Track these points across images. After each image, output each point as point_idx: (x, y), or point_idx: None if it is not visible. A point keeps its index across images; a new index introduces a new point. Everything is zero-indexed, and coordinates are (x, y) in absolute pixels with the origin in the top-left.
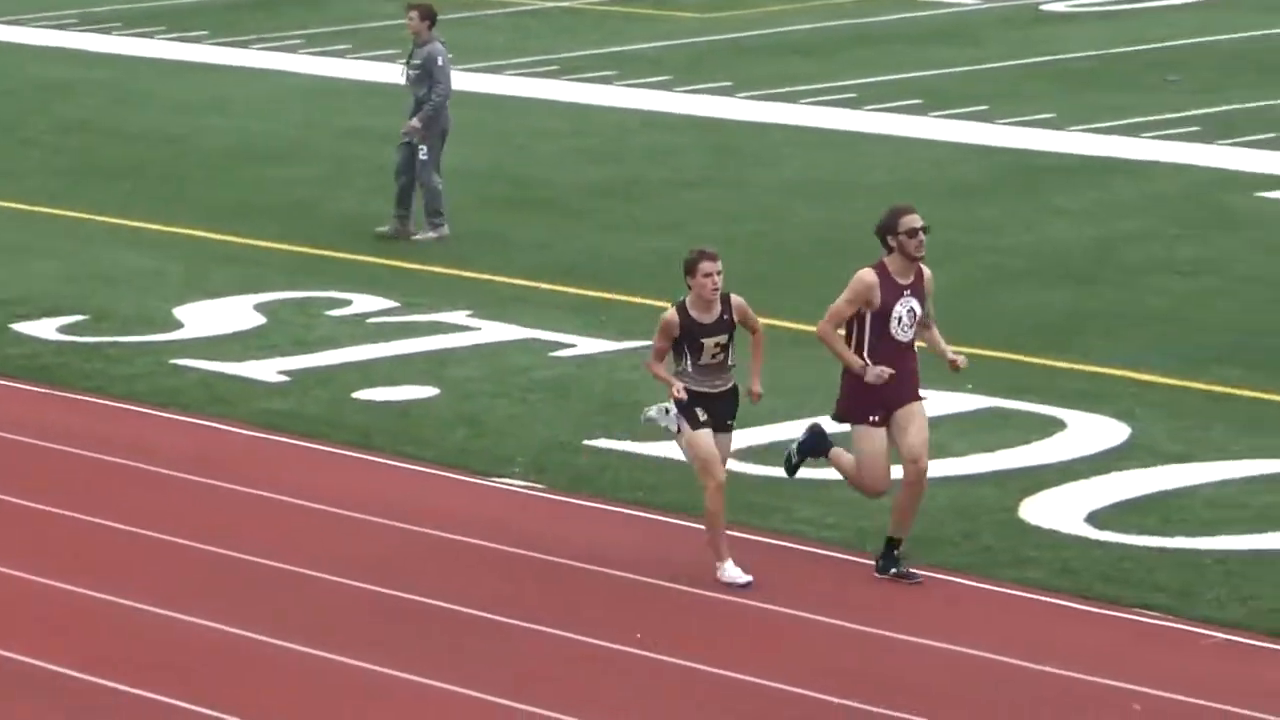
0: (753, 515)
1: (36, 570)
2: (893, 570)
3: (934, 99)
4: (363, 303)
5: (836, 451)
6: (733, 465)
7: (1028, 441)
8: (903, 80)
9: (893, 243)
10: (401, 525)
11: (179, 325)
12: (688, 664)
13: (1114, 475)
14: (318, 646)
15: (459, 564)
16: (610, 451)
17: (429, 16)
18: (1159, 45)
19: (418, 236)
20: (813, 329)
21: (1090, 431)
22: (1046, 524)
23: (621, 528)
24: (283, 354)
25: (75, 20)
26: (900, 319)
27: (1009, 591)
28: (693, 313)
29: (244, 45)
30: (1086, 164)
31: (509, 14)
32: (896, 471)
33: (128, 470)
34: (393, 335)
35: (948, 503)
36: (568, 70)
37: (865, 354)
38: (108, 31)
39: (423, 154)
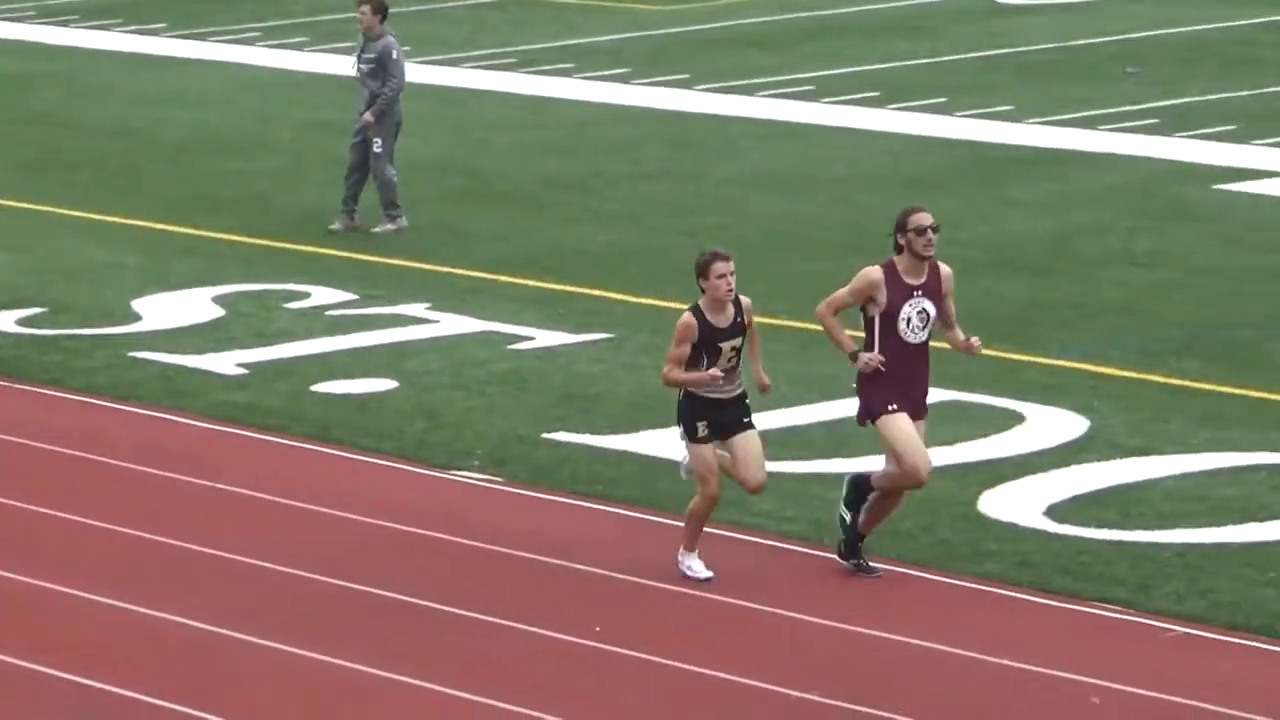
0: None
1: None
2: (854, 561)
3: (892, 91)
4: (321, 295)
5: (874, 476)
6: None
7: (986, 435)
8: (861, 73)
9: (902, 241)
10: (360, 518)
11: (137, 318)
12: (647, 657)
13: (1073, 468)
14: (282, 640)
15: (417, 557)
16: (569, 444)
17: (381, 10)
18: (1118, 37)
19: (376, 229)
20: (772, 320)
21: (1049, 425)
22: (1005, 517)
23: (580, 521)
24: (241, 347)
25: (33, 12)
26: (909, 320)
27: (968, 585)
28: (709, 316)
29: (202, 38)
30: (1044, 156)
31: (467, 6)
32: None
33: (86, 463)
34: (351, 328)
35: (906, 496)
36: (526, 63)
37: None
38: (65, 24)
39: (377, 147)
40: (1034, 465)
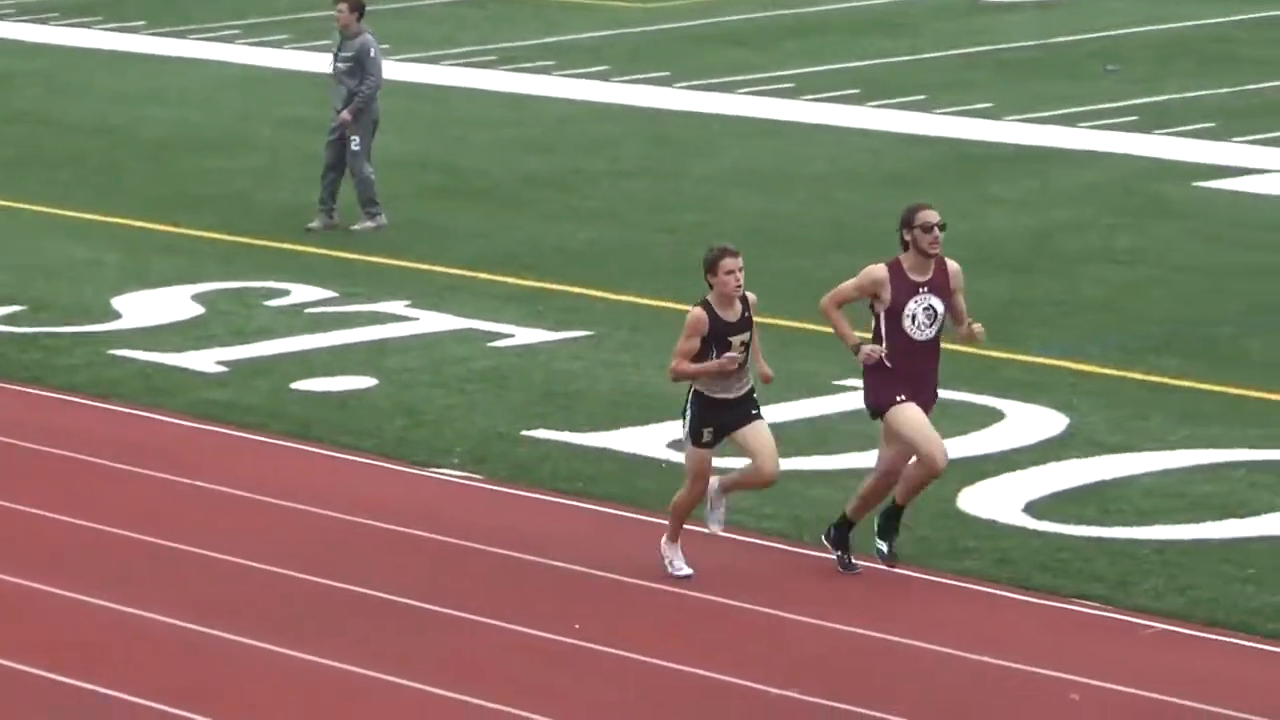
0: None
1: None
2: (840, 553)
3: (872, 89)
4: (301, 293)
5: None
6: (670, 456)
7: (965, 432)
8: (841, 70)
9: (908, 237)
10: (340, 515)
11: (117, 316)
12: (626, 654)
13: (1052, 465)
14: (263, 638)
15: (397, 554)
16: (549, 442)
17: (358, 9)
18: (1097, 35)
19: (355, 227)
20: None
21: (1028, 422)
22: (985, 514)
23: (560, 518)
24: (221, 344)
25: (12, 10)
26: (914, 317)
27: (947, 582)
28: (718, 311)
29: (182, 35)
30: (1024, 153)
31: (446, 4)
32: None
33: (66, 461)
34: (331, 325)
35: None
36: (505, 60)
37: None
38: (45, 21)
39: (355, 144)
40: (1013, 462)
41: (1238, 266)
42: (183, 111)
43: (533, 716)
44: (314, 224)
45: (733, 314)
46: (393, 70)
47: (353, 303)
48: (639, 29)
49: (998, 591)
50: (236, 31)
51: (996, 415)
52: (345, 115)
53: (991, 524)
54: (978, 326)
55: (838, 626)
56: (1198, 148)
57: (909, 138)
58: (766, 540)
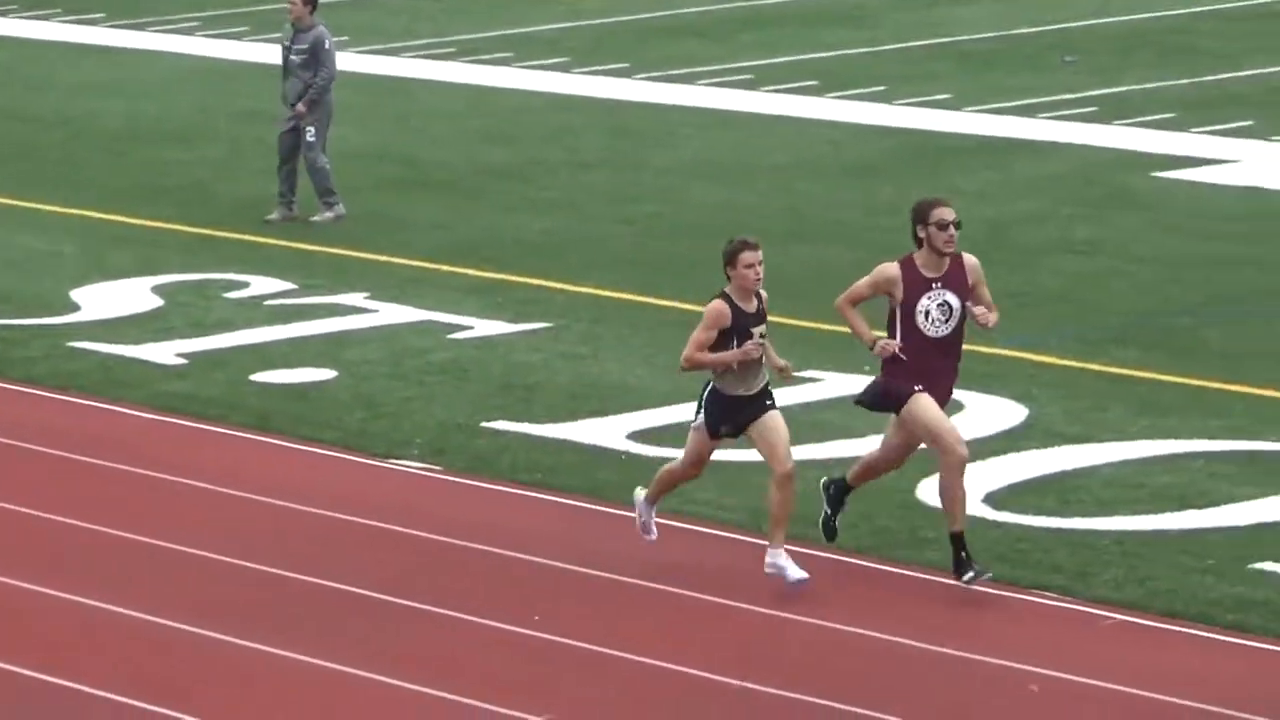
0: None
1: None
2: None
3: (831, 80)
4: (260, 285)
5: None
6: (630, 447)
7: None
8: (800, 61)
9: (922, 234)
10: (300, 507)
11: (76, 308)
12: (586, 645)
13: (1011, 456)
14: (225, 631)
15: (357, 546)
16: (508, 433)
17: (311, 1)
18: (1056, 26)
19: (315, 218)
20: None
21: (987, 413)
22: None
23: (520, 509)
24: (180, 336)
25: None
26: (928, 313)
27: (906, 573)
28: (738, 303)
29: (141, 28)
30: (984, 144)
31: None
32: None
33: (26, 453)
34: (290, 317)
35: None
36: (465, 52)
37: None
38: (4, 13)
39: (310, 135)
40: (973, 453)
41: (1197, 257)
42: (141, 103)
43: (502, 710)
44: (273, 216)
45: (750, 306)
46: (352, 62)
47: (312, 295)
48: (598, 20)
49: (957, 583)
50: (195, 24)
51: (955, 406)
52: (300, 107)
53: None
54: (981, 312)
55: (798, 618)
56: (1157, 138)
57: (868, 129)
58: (725, 531)
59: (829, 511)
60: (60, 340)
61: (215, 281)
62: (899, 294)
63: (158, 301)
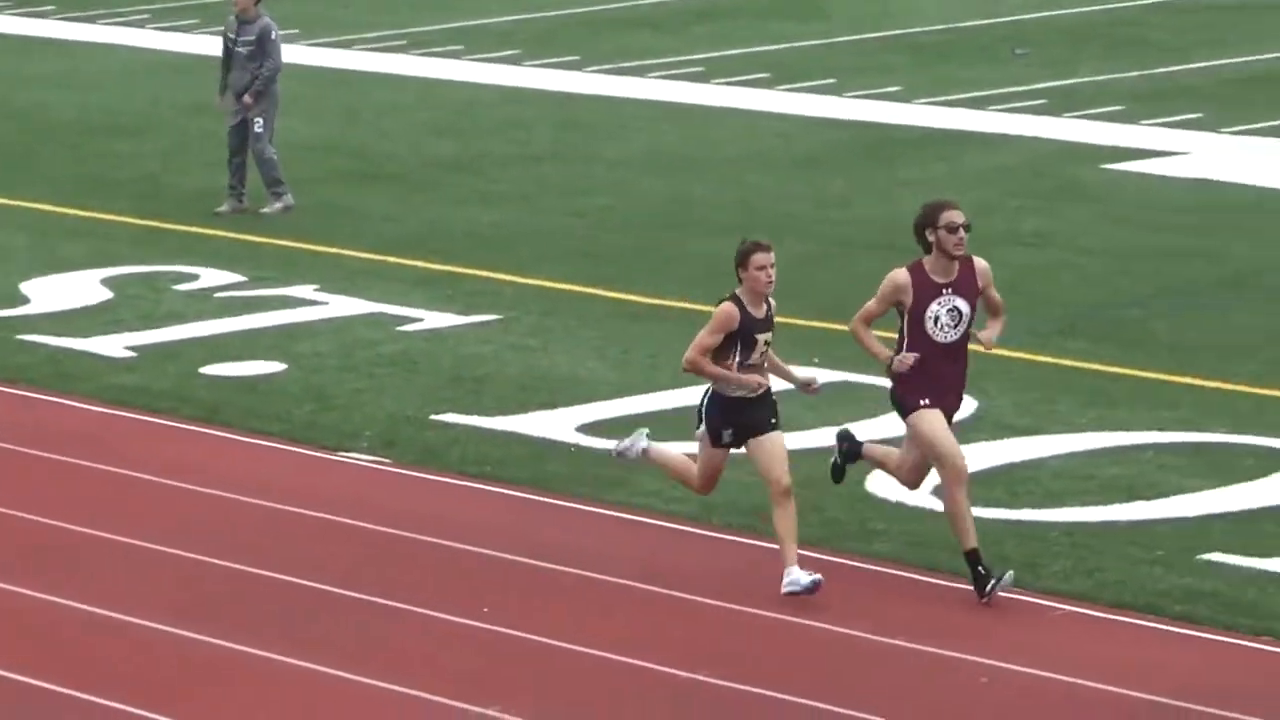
0: (598, 489)
1: None
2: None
3: (782, 72)
4: (210, 277)
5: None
6: (580, 439)
7: (874, 414)
8: (751, 54)
9: (931, 238)
10: (250, 500)
11: (25, 300)
12: (535, 638)
13: (961, 448)
14: (176, 624)
15: (305, 538)
16: (458, 426)
17: None
18: (1007, 19)
19: (265, 210)
20: (661, 301)
21: None
22: (893, 497)
23: (469, 502)
24: (130, 329)
25: None
26: (938, 319)
27: (856, 564)
28: (748, 306)
29: (91, 20)
30: (934, 136)
31: None
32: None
33: None
34: (240, 310)
35: (795, 476)
36: (417, 45)
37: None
38: None
39: (258, 126)
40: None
41: (1146, 249)
42: (92, 96)
43: (451, 702)
44: (223, 208)
45: (760, 310)
46: (303, 55)
47: (262, 287)
48: (549, 13)
49: (906, 574)
50: (146, 16)
51: None
52: (247, 99)
53: (900, 506)
54: (986, 338)
55: (747, 610)
56: (1106, 130)
57: (819, 121)
58: (673, 523)
59: (838, 461)
60: (9, 333)
61: (165, 274)
62: (908, 300)
63: (107, 294)
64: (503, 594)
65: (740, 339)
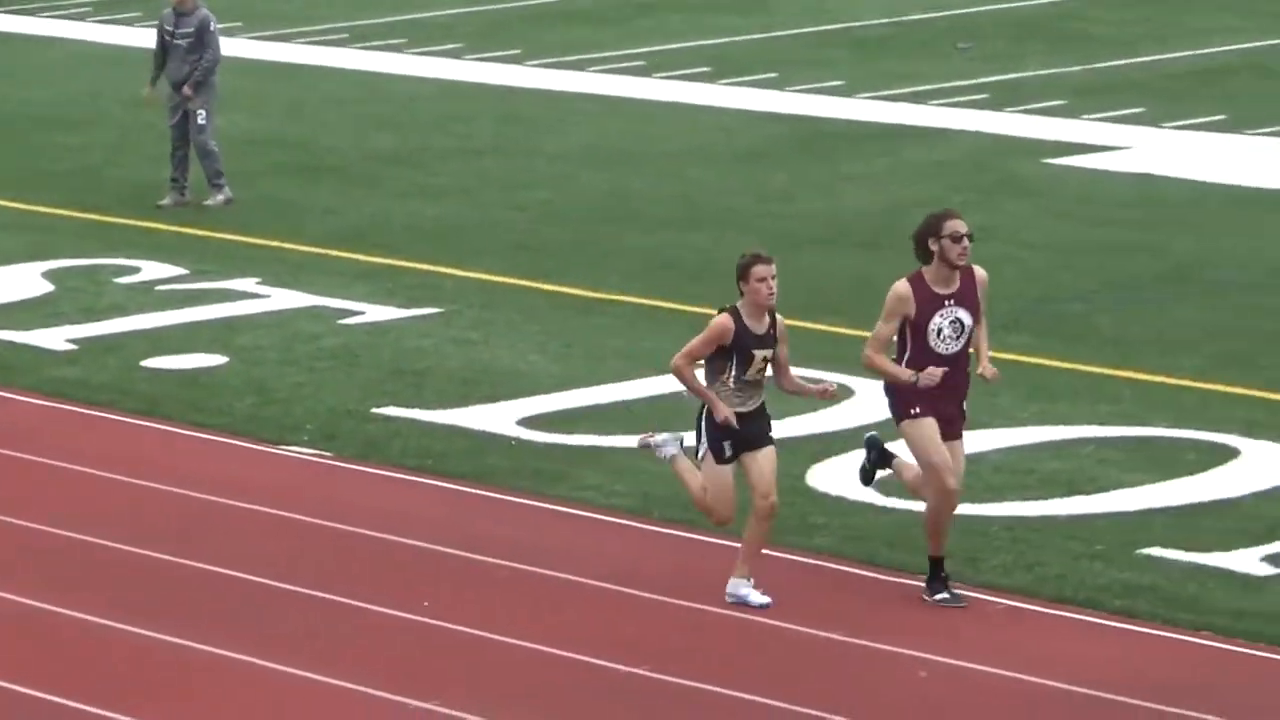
0: (539, 482)
1: None
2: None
3: (724, 66)
4: (151, 270)
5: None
6: (521, 433)
7: (816, 409)
8: (692, 48)
9: (934, 247)
10: (191, 493)
11: None
12: (475, 632)
13: (901, 442)
14: (113, 617)
15: (248, 532)
16: (399, 419)
17: None
18: (950, 13)
19: (208, 202)
20: (602, 295)
21: (877, 398)
22: (834, 491)
23: (410, 495)
24: (71, 322)
25: None
26: (940, 331)
27: (796, 558)
28: (747, 321)
29: (33, 13)
30: (876, 131)
31: None
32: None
33: None
34: (181, 303)
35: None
36: (358, 38)
37: (905, 366)
38: None
39: (201, 118)
40: (862, 439)
41: (1088, 243)
42: (33, 89)
43: (388, 696)
44: (165, 201)
45: (761, 326)
46: (245, 48)
47: (203, 280)
48: (491, 7)
49: (846, 568)
50: (87, 9)
51: (845, 392)
52: (187, 90)
53: (840, 501)
54: (991, 371)
55: (683, 604)
56: (1048, 125)
57: (761, 115)
58: (613, 517)
59: (867, 466)
60: None
61: (106, 267)
62: (911, 312)
63: (48, 287)
64: (442, 587)
65: (735, 353)
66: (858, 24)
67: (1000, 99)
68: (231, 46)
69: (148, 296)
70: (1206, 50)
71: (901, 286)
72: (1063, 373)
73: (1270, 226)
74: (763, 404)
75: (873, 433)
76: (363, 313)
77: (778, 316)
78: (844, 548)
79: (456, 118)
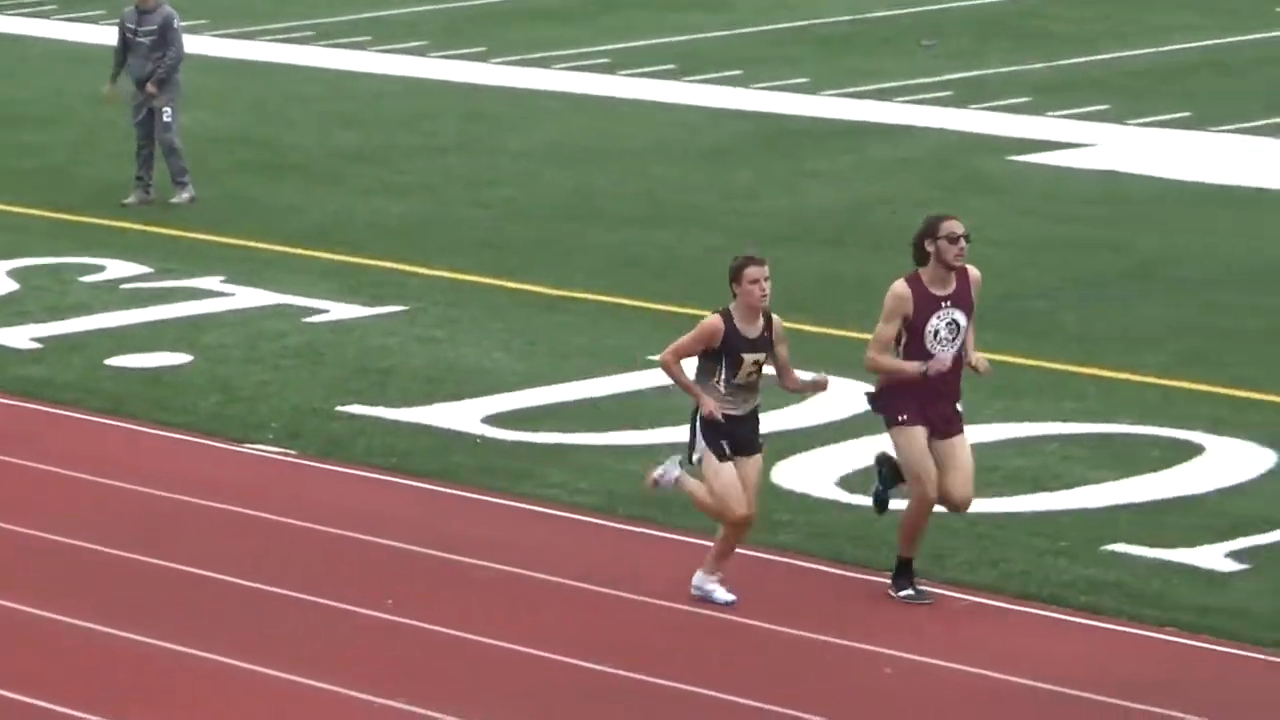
0: (504, 480)
1: None
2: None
3: (688, 64)
4: (116, 268)
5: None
6: (485, 431)
7: (780, 406)
8: (657, 45)
9: (930, 248)
10: (156, 492)
11: None
12: (439, 629)
13: (865, 439)
14: (79, 616)
15: (212, 530)
16: (363, 417)
17: None
18: (913, 10)
19: (173, 200)
20: (565, 292)
21: (842, 395)
22: (799, 488)
23: (374, 493)
24: (35, 320)
25: None
26: (937, 333)
27: (762, 555)
28: (738, 324)
29: None
30: (840, 128)
31: None
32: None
33: None
34: (146, 301)
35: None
36: (324, 36)
37: None
38: None
39: (166, 116)
40: (827, 436)
41: (1052, 240)
42: None
43: (353, 694)
44: (130, 199)
45: (754, 330)
46: (210, 46)
47: (168, 278)
48: (456, 4)
49: (811, 565)
50: (52, 7)
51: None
52: (150, 88)
53: (805, 497)
54: (983, 364)
55: (648, 600)
56: (1012, 122)
57: (725, 112)
58: (579, 514)
59: (880, 487)
60: None
61: (71, 265)
62: (909, 312)
63: (13, 285)
64: (408, 585)
65: (725, 356)
66: (822, 21)
67: (964, 96)
68: (196, 44)
69: (112, 295)
70: (1167, 48)
71: (900, 287)
72: (1027, 370)
73: (1233, 224)
74: (755, 410)
75: (882, 451)
76: (327, 311)
77: (774, 318)
78: (809, 544)
79: (421, 115)
